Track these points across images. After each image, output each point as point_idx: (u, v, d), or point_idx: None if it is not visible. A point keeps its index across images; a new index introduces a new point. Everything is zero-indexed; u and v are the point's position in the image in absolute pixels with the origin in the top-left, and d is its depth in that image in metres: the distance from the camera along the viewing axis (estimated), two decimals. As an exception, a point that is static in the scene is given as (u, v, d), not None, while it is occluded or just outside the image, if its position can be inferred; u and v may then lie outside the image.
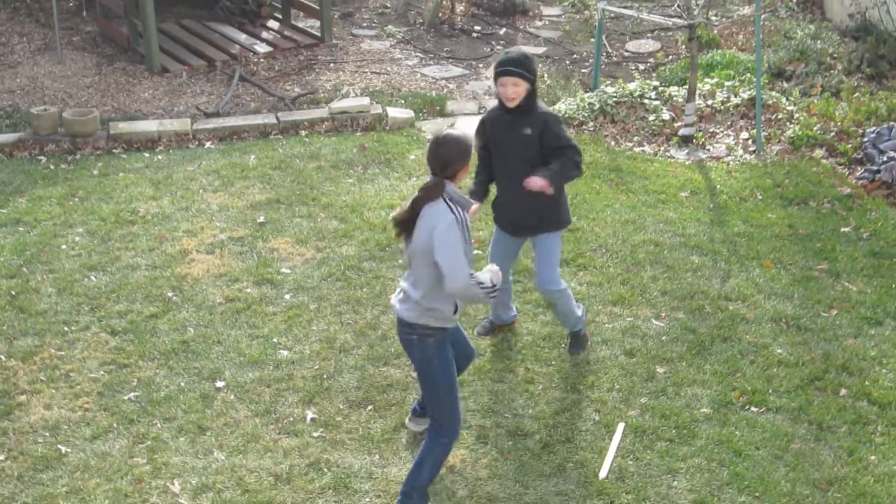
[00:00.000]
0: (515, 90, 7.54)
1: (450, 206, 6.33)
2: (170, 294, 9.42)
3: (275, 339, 8.75)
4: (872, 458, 7.32)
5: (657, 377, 8.24)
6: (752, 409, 7.89)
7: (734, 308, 9.15)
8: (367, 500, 6.99)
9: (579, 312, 8.32)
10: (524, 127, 7.65)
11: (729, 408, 7.90)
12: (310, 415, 7.85)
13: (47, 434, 7.64)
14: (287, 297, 9.39)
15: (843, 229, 10.58)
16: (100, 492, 7.08)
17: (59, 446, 7.51)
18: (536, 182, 7.42)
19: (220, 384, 8.22)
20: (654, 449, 7.44)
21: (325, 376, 8.28)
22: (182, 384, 8.24)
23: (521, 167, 7.62)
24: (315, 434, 7.65)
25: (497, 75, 7.58)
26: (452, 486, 7.09)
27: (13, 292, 9.39)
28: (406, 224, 6.46)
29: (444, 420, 6.72)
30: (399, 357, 8.42)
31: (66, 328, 8.89)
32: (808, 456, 7.38)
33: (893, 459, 7.30)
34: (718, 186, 11.60)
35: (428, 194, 6.35)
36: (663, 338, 8.72)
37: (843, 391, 8.05)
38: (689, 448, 7.45)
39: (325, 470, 7.28)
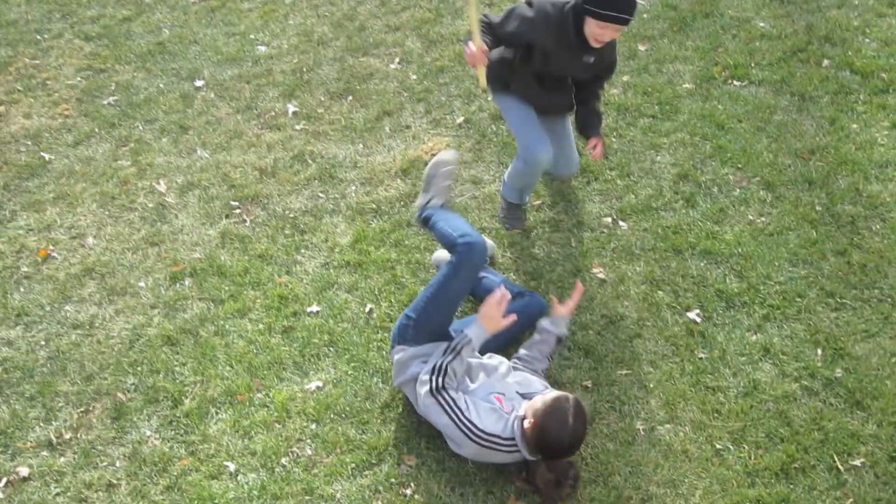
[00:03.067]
0: (614, 36, 5.84)
1: None
2: (141, -4, 9.24)
3: (252, 36, 8.63)
4: (854, 126, 7.31)
5: (639, 55, 8.16)
6: (735, 82, 7.84)
7: (716, -19, 8.99)
8: (353, 187, 7.05)
9: None
10: (588, 55, 5.94)
11: (711, 82, 7.85)
12: (291, 108, 7.83)
13: (29, 143, 7.63)
14: (261, -8, 9.22)
15: None
16: (87, 195, 7.12)
17: (42, 154, 7.52)
18: (599, 149, 6.30)
19: (199, 83, 8.16)
20: (637, 126, 7.44)
21: (304, 69, 8.21)
22: (161, 85, 8.17)
23: (566, 84, 6.24)
24: (297, 127, 7.65)
25: (607, 19, 5.61)
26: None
27: (-19, 2, 9.22)
28: None
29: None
30: (378, 47, 8.36)
31: (38, 37, 8.75)
32: (791, 127, 7.38)
33: (874, 127, 7.30)
34: None
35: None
36: (644, 16, 8.58)
37: (825, 62, 7.98)
38: (672, 123, 7.45)
39: (310, 161, 7.31)
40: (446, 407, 4.96)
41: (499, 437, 4.96)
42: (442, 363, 5.01)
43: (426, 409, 5.07)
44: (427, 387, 5.00)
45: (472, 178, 7.02)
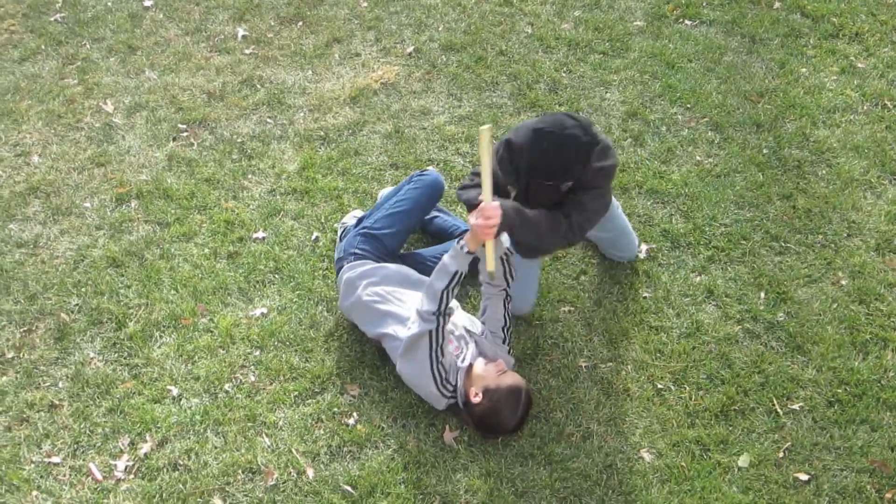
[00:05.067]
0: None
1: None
2: None
3: (202, -44, 8.51)
4: (803, 70, 7.37)
5: (592, -10, 8.16)
6: (686, 21, 7.86)
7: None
8: (302, 114, 7.01)
9: None
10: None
11: (663, 21, 7.86)
12: (241, 32, 7.74)
13: (-28, 57, 7.52)
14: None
15: None
16: (32, 113, 7.02)
17: (-14, 68, 7.42)
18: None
19: (148, 3, 8.04)
20: (587, 62, 7.44)
21: (255, -7, 8.14)
22: (109, 4, 8.05)
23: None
24: (247, 51, 7.57)
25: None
26: (388, 99, 7.10)
27: None
28: None
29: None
30: (330, -28, 8.28)
31: (-17, -53, 8.57)
32: (740, 68, 7.41)
33: (823, 72, 7.36)
34: None
35: None
36: (599, -50, 8.57)
37: (776, 4, 8.01)
38: (622, 60, 7.46)
39: (259, 86, 7.25)
40: (433, 346, 4.98)
41: (451, 385, 5.05)
42: (446, 297, 4.98)
43: (410, 342, 5.04)
44: (434, 307, 4.95)
45: (420, 109, 7.00)
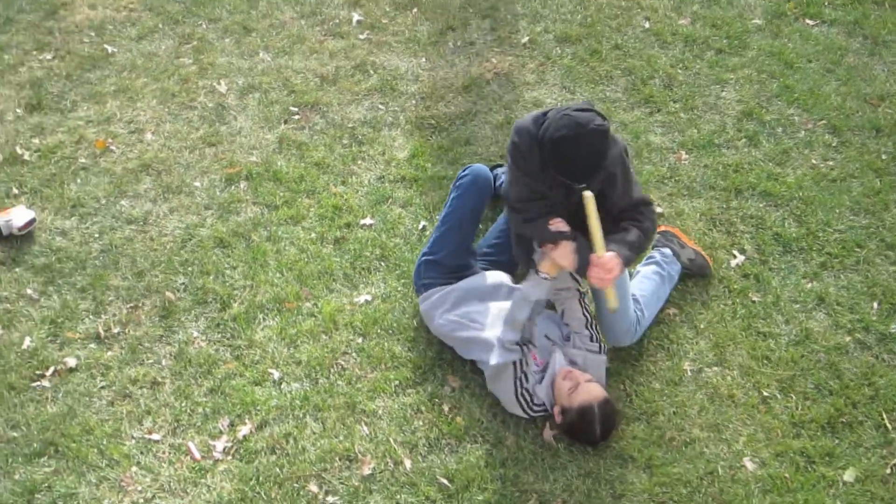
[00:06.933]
0: None
1: None
2: None
3: (319, -60, 8.54)
4: (927, 74, 7.22)
5: (711, -16, 8.03)
6: (807, 20, 7.70)
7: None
8: (413, 102, 6.99)
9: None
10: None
11: (782, 19, 7.71)
12: (356, 17, 7.75)
13: (93, 34, 7.60)
14: None
15: None
16: (147, 91, 7.10)
17: (105, 46, 7.49)
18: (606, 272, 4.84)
19: (263, -17, 8.11)
20: (703, 59, 7.32)
21: (371, -22, 8.13)
22: (225, -15, 8.13)
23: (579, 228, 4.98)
24: (361, 36, 7.58)
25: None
26: (500, 90, 7.06)
27: None
28: None
29: None
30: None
31: (106, -75, 8.69)
32: (861, 70, 7.25)
33: (948, 76, 7.19)
34: None
35: None
36: (720, -55, 8.43)
37: (902, 4, 7.85)
38: (739, 59, 7.33)
39: (371, 72, 7.25)
40: (517, 373, 4.98)
41: (539, 406, 5.05)
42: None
43: (494, 371, 5.04)
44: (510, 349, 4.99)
45: (533, 101, 6.95)
